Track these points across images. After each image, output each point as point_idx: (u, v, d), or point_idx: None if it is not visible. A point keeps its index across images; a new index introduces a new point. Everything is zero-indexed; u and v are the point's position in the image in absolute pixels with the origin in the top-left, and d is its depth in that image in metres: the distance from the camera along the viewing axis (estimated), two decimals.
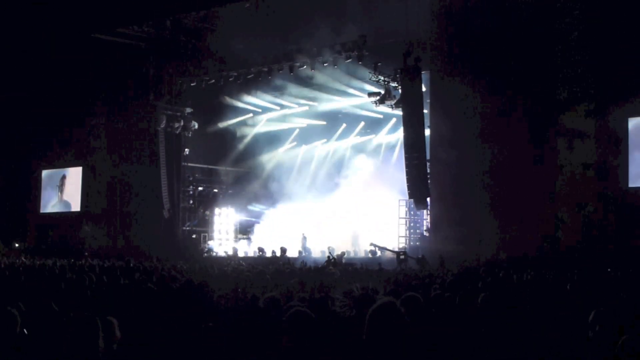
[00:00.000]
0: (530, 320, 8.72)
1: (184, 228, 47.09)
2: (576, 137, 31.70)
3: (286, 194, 46.30)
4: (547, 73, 32.73)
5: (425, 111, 36.41)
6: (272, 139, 48.27)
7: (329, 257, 33.47)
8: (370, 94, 39.42)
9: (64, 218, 49.95)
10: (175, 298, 10.98)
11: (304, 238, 41.59)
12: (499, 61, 33.39)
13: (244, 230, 48.03)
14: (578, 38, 31.92)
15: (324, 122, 46.86)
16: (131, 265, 20.43)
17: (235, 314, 8.35)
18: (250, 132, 48.40)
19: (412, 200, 37.28)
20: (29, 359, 6.52)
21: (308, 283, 13.40)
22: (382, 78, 37.61)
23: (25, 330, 6.87)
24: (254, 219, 48.70)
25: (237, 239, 47.50)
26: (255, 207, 48.39)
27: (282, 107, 47.32)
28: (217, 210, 48.65)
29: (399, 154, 38.66)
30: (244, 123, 48.16)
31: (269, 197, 47.10)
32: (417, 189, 35.54)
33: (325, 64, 38.91)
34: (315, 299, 7.93)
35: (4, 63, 46.41)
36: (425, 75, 35.99)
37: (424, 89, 36.20)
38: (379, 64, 37.15)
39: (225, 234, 48.66)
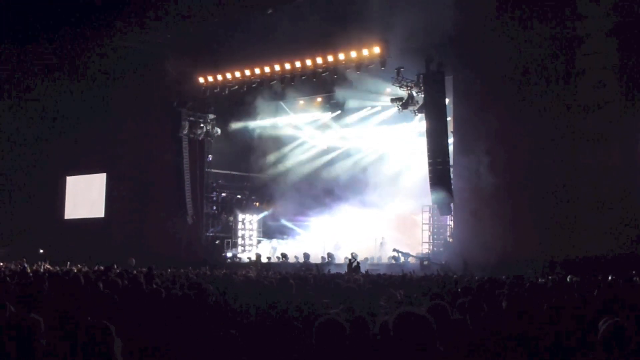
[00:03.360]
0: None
1: (208, 234, 47.15)
2: (600, 139, 31.47)
3: (311, 201, 46.29)
4: (571, 74, 32.56)
5: (448, 119, 36.32)
6: (297, 145, 48.26)
7: (350, 261, 33.41)
8: (393, 99, 39.34)
9: (88, 224, 50.09)
10: (196, 305, 10.93)
11: (337, 246, 41.41)
12: (522, 64, 33.28)
13: (269, 236, 48.01)
14: (602, 39, 31.72)
15: (347, 129, 46.77)
16: (153, 272, 20.38)
17: (258, 323, 8.30)
18: (275, 138, 48.28)
19: (435, 206, 37.20)
20: None
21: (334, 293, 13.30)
22: (405, 83, 37.54)
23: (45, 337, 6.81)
24: (274, 220, 48.76)
25: (259, 243, 47.63)
26: (282, 218, 48.31)
27: (307, 112, 47.28)
28: (240, 217, 48.71)
29: (423, 159, 38.39)
30: (268, 129, 48.03)
31: (293, 204, 47.05)
32: (441, 195, 35.46)
33: (348, 70, 38.79)
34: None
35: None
36: (448, 80, 35.89)
37: (447, 95, 36.07)
38: (402, 68, 37.02)
39: (249, 239, 48.73)
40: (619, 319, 6.82)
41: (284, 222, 48.05)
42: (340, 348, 6.00)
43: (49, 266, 31.39)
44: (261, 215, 49.72)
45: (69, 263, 32.78)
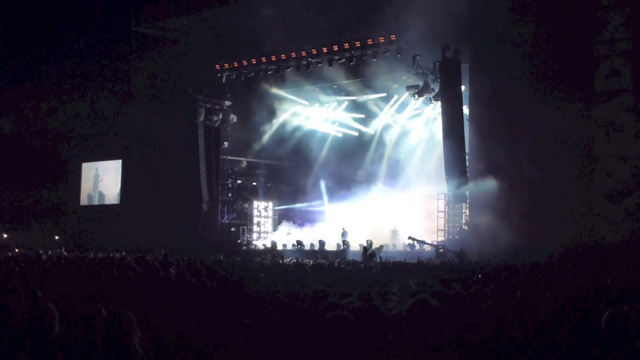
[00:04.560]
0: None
1: (223, 221, 47.25)
2: (614, 129, 31.35)
3: (325, 188, 46.40)
4: (586, 64, 32.44)
5: (464, 107, 36.27)
6: (312, 133, 48.28)
7: (365, 248, 33.44)
8: (409, 87, 39.30)
9: (103, 211, 50.30)
10: (213, 292, 10.96)
11: (344, 232, 41.54)
12: (538, 53, 33.17)
13: (284, 223, 48.07)
14: (619, 29, 31.60)
15: (363, 116, 46.76)
16: (169, 259, 20.41)
17: (274, 310, 8.31)
18: (290, 125, 48.26)
19: (450, 193, 37.17)
20: (65, 354, 6.49)
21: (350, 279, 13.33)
22: (421, 71, 37.49)
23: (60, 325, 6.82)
24: (289, 207, 48.88)
25: (274, 231, 47.73)
26: (298, 205, 48.38)
27: (322, 100, 47.28)
28: (255, 204, 48.80)
29: (438, 147, 38.33)
30: (283, 115, 47.98)
31: (307, 191, 47.13)
32: (456, 182, 35.44)
33: (364, 57, 38.75)
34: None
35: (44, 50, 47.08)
36: (464, 67, 35.81)
37: (462, 83, 36.03)
38: (418, 56, 36.95)
39: (264, 227, 48.84)
40: (624, 308, 6.82)
41: (299, 209, 48.10)
42: (348, 343, 6.03)
43: (66, 253, 31.49)
44: (276, 202, 49.82)
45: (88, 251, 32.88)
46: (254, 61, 42.50)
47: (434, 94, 37.46)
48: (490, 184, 33.35)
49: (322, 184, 46.73)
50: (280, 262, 25.19)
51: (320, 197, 46.79)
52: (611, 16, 31.73)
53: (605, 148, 31.52)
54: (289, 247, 41.27)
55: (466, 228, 38.07)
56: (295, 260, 26.89)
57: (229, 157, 47.79)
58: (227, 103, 46.47)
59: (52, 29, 46.68)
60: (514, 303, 9.90)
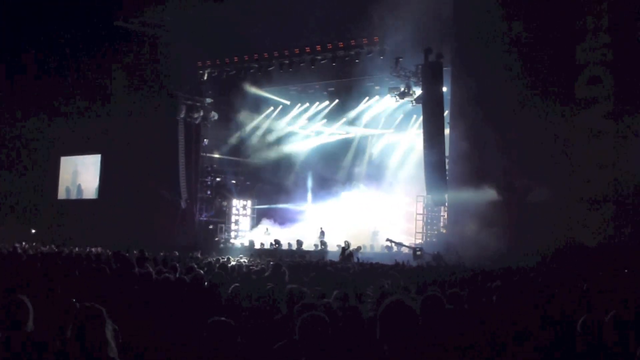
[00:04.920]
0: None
1: (201, 219, 47.14)
2: (594, 136, 31.48)
3: (305, 188, 46.41)
4: (568, 71, 32.60)
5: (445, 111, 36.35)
6: (293, 133, 48.22)
7: (343, 248, 33.44)
8: (391, 89, 39.32)
9: (81, 205, 50.10)
10: (188, 290, 10.92)
11: (322, 232, 41.55)
12: (519, 59, 33.26)
13: (262, 222, 48.03)
14: (600, 37, 31.76)
15: (344, 117, 46.75)
16: (146, 255, 20.33)
17: (249, 309, 8.30)
18: (271, 125, 48.20)
19: (429, 196, 37.23)
20: (39, 349, 6.43)
21: (327, 280, 13.29)
22: (404, 73, 37.53)
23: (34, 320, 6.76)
24: (268, 207, 48.88)
25: (252, 229, 47.71)
26: (275, 202, 48.35)
27: (304, 100, 47.23)
28: (234, 202, 48.75)
29: (418, 150, 38.37)
30: (264, 115, 47.93)
31: (288, 190, 47.10)
32: (435, 185, 35.51)
33: (346, 59, 38.74)
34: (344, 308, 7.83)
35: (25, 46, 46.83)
36: (446, 71, 35.89)
37: (444, 86, 36.10)
38: (400, 58, 36.98)
39: (242, 225, 48.79)
40: (598, 313, 6.87)
41: (279, 208, 48.07)
42: (322, 344, 6.01)
43: (43, 248, 31.32)
44: (255, 201, 49.82)
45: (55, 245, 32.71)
46: (236, 59, 42.47)
47: (415, 96, 37.51)
48: (467, 195, 33.46)
49: (309, 183, 46.83)
50: (258, 261, 25.16)
51: (300, 196, 46.79)
52: (592, 23, 31.90)
53: (585, 155, 31.66)
54: (267, 246, 41.23)
55: (444, 231, 38.18)
56: (272, 260, 26.85)
57: (208, 155, 47.66)
58: (208, 100, 46.33)
59: (32, 22, 46.40)
60: (489, 306, 9.91)
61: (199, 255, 29.04)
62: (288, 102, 47.50)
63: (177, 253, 28.83)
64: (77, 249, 30.07)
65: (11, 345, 6.32)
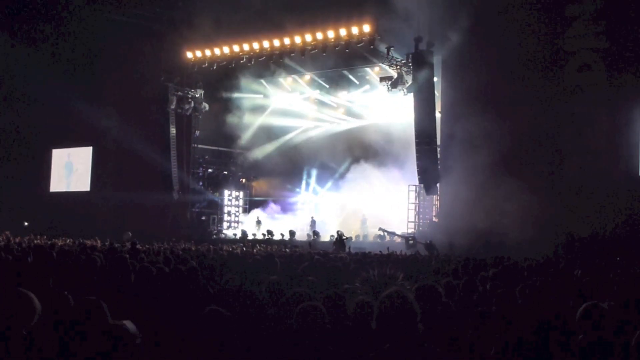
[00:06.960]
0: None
1: (193, 210, 47.09)
2: (586, 124, 31.52)
3: (298, 178, 46.43)
4: (558, 56, 32.69)
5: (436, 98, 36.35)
6: (283, 123, 48.16)
7: (336, 238, 33.47)
8: (382, 79, 39.29)
9: (74, 197, 49.99)
10: (182, 280, 10.90)
11: (313, 222, 41.57)
12: (510, 47, 33.29)
13: (253, 212, 48.05)
14: (590, 24, 31.86)
15: (336, 106, 46.72)
16: (137, 246, 20.31)
17: (242, 299, 8.26)
18: (262, 115, 48.18)
19: (422, 185, 37.23)
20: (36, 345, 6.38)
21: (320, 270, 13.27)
22: (395, 62, 37.48)
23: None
24: (260, 198, 48.92)
25: (244, 220, 47.70)
26: (268, 195, 48.39)
27: (296, 90, 47.18)
28: (226, 193, 48.73)
29: (410, 139, 38.32)
30: (255, 105, 47.88)
31: (280, 181, 47.11)
32: (428, 175, 35.54)
33: (337, 48, 38.63)
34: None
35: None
36: (437, 59, 35.89)
37: (435, 75, 36.10)
38: (392, 47, 36.93)
39: (235, 216, 48.77)
40: (596, 302, 6.86)
41: (269, 199, 48.10)
42: (319, 333, 6.02)
43: (37, 240, 31.21)
44: (247, 192, 49.84)
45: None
46: (227, 50, 42.28)
47: (407, 85, 37.46)
48: (459, 184, 33.55)
49: (302, 173, 46.93)
50: (251, 251, 25.14)
51: (292, 187, 46.86)
52: (581, 10, 32.05)
53: (577, 142, 31.73)
54: (259, 236, 41.25)
55: (436, 220, 38.21)
56: (265, 250, 26.84)
57: (200, 146, 47.58)
58: (200, 91, 46.21)
59: (22, 12, 46.24)
60: (484, 296, 9.92)
61: (192, 247, 29.00)
62: (279, 92, 47.39)
63: (170, 244, 28.85)
64: (69, 241, 30.00)
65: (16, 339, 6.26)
